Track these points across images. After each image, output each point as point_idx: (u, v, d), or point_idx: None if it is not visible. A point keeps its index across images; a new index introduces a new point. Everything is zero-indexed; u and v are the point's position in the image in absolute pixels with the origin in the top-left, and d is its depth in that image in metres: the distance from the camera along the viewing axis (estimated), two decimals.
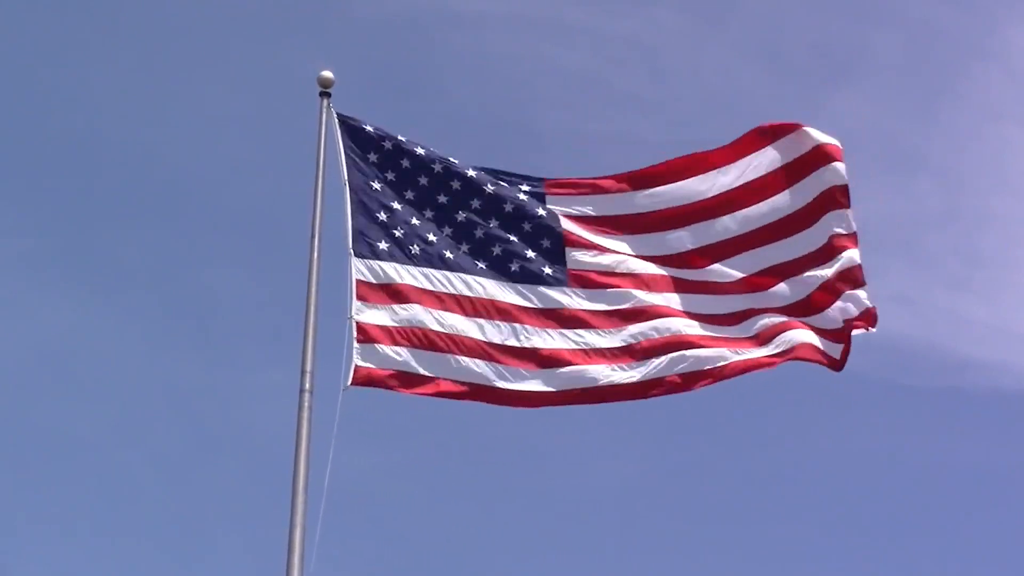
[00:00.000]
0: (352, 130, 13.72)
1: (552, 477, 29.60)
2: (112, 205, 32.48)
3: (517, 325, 13.21)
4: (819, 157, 13.87)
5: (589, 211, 13.95)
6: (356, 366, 12.60)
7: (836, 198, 13.75)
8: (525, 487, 29.47)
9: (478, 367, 12.97)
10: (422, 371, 12.82)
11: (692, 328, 13.38)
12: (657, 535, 29.14)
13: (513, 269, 13.52)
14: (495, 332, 13.14)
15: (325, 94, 13.79)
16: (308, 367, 12.32)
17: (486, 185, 13.78)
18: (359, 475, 25.12)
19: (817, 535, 29.90)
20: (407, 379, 12.80)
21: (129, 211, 32.44)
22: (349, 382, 12.52)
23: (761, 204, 13.87)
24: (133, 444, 29.34)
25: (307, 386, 12.23)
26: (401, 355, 12.81)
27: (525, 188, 13.94)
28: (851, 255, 13.60)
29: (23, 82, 32.74)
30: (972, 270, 33.00)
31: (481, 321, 13.17)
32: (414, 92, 32.77)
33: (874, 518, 30.16)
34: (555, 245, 13.74)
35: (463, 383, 12.90)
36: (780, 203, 13.91)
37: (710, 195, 13.91)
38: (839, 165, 13.83)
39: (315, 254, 12.89)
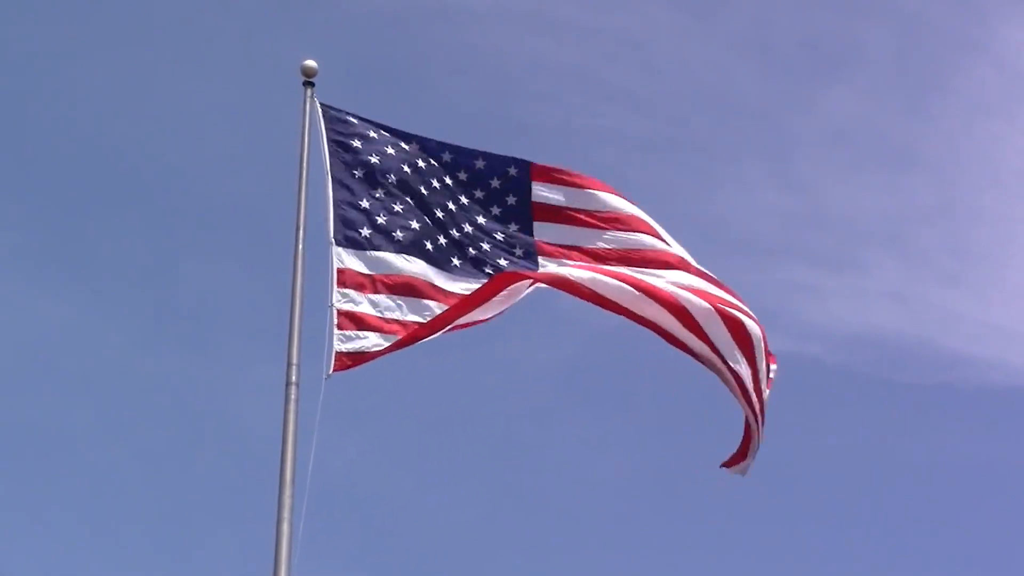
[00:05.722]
0: (335, 119, 13.68)
1: (542, 470, 29.62)
2: (97, 199, 32.48)
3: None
4: None
5: (560, 199, 13.90)
6: (336, 353, 12.57)
7: None
8: (514, 478, 29.50)
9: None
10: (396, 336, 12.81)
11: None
12: (650, 532, 29.14)
13: (487, 270, 13.51)
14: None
15: (309, 83, 13.72)
16: (294, 359, 12.29)
17: (460, 172, 13.82)
18: (347, 466, 25.16)
19: (809, 531, 29.92)
20: (385, 349, 12.78)
21: (115, 205, 32.45)
22: (331, 370, 12.48)
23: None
24: (121, 438, 29.34)
25: (293, 378, 12.20)
26: (380, 338, 12.78)
27: (511, 171, 13.94)
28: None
29: (6, 77, 32.74)
30: (964, 266, 33.03)
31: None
32: (402, 87, 32.75)
33: (866, 514, 30.19)
34: (524, 225, 13.82)
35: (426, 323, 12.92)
36: None
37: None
38: None
39: (300, 246, 12.89)
